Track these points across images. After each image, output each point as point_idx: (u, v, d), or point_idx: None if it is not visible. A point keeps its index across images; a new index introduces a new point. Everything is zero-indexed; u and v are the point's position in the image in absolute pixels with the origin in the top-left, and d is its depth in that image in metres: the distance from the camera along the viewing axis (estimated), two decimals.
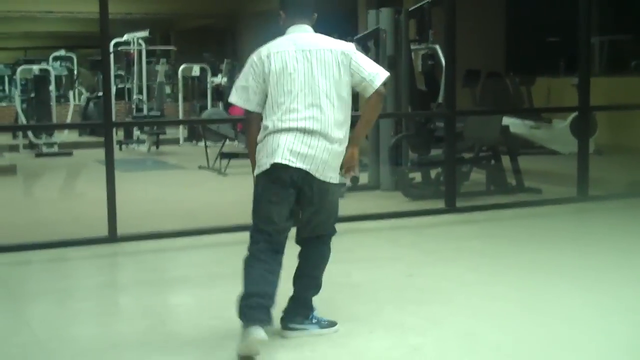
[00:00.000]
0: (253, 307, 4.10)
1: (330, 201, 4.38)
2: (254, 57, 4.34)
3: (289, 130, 4.19)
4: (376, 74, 4.31)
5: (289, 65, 4.24)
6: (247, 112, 4.38)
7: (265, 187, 4.25)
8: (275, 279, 4.22)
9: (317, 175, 4.21)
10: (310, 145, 4.18)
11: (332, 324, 4.51)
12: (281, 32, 4.45)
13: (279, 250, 4.29)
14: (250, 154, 4.41)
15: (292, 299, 4.47)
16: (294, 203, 4.26)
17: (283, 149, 4.17)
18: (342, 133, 4.30)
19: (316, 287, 4.49)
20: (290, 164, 4.16)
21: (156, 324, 4.81)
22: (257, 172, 4.28)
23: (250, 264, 4.24)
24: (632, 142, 12.27)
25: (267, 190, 4.24)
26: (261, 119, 4.32)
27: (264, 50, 4.33)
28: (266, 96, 4.28)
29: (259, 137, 4.30)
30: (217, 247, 6.77)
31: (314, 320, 4.47)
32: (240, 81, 4.38)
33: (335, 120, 4.25)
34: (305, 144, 4.18)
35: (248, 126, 4.46)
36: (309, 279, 4.47)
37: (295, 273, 4.47)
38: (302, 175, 4.19)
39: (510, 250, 6.57)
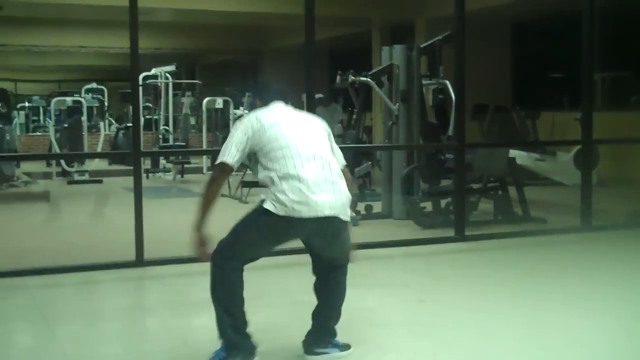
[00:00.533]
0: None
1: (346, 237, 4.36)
2: (251, 118, 4.26)
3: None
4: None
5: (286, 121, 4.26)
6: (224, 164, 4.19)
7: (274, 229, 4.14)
8: None
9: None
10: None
11: (347, 346, 4.49)
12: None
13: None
14: (207, 207, 4.26)
15: (317, 327, 4.42)
16: None
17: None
18: None
19: (339, 315, 4.46)
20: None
21: (180, 344, 4.82)
22: (274, 209, 4.05)
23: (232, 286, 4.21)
24: (634, 174, 12.20)
25: (273, 233, 4.16)
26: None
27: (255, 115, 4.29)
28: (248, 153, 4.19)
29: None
30: None
31: (335, 344, 4.44)
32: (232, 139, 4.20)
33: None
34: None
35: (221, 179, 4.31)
36: (334, 309, 4.43)
37: (320, 305, 4.42)
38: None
39: (517, 277, 6.53)
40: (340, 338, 4.52)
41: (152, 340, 5.02)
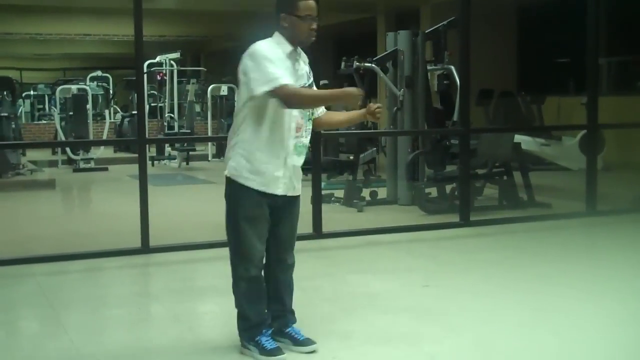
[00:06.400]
0: None
1: None
2: None
3: None
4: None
5: None
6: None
7: None
8: None
9: None
10: None
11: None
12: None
13: None
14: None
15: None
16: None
17: None
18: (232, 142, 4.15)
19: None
20: None
21: (185, 330, 4.83)
22: None
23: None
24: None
25: None
26: None
27: None
28: None
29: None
30: None
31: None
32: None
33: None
34: None
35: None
36: None
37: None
38: None
39: (522, 262, 6.53)
40: (345, 324, 4.53)
41: (157, 327, 5.03)
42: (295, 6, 3.99)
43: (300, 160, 4.15)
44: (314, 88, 4.20)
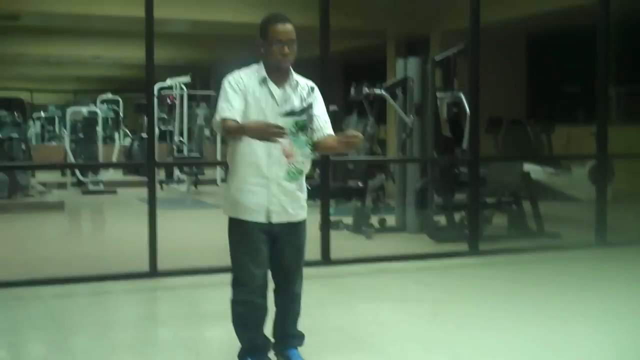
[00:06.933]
0: None
1: None
2: None
3: None
4: None
5: None
6: None
7: None
8: None
9: None
10: None
11: None
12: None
13: None
14: None
15: None
16: None
17: None
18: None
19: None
20: None
21: (191, 355, 4.82)
22: None
23: None
24: None
25: None
26: None
27: None
28: None
29: None
30: None
31: None
32: None
33: None
34: None
35: None
36: None
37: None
38: None
39: (531, 292, 6.50)
40: (354, 352, 4.51)
41: (164, 352, 5.01)
42: (265, 32, 4.09)
43: (292, 185, 4.12)
44: (315, 113, 4.16)
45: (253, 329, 4.22)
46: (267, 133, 3.82)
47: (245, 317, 4.18)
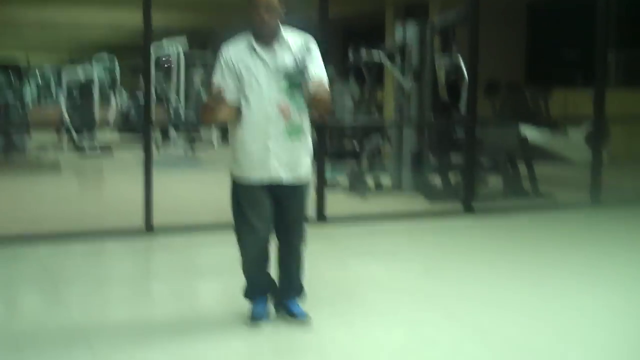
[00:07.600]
0: None
1: None
2: None
3: None
4: None
5: None
6: None
7: None
8: None
9: None
10: None
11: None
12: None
13: None
14: None
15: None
16: None
17: None
18: None
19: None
20: None
21: (185, 308, 4.86)
22: None
23: None
24: None
25: None
26: None
27: None
28: None
29: None
30: None
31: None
32: None
33: None
34: None
35: None
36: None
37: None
38: None
39: (525, 251, 6.54)
40: (346, 307, 4.56)
41: (158, 305, 5.06)
42: None
43: (293, 144, 4.19)
44: (312, 73, 4.17)
45: (258, 275, 4.41)
46: (212, 103, 4.05)
47: (250, 264, 4.37)
